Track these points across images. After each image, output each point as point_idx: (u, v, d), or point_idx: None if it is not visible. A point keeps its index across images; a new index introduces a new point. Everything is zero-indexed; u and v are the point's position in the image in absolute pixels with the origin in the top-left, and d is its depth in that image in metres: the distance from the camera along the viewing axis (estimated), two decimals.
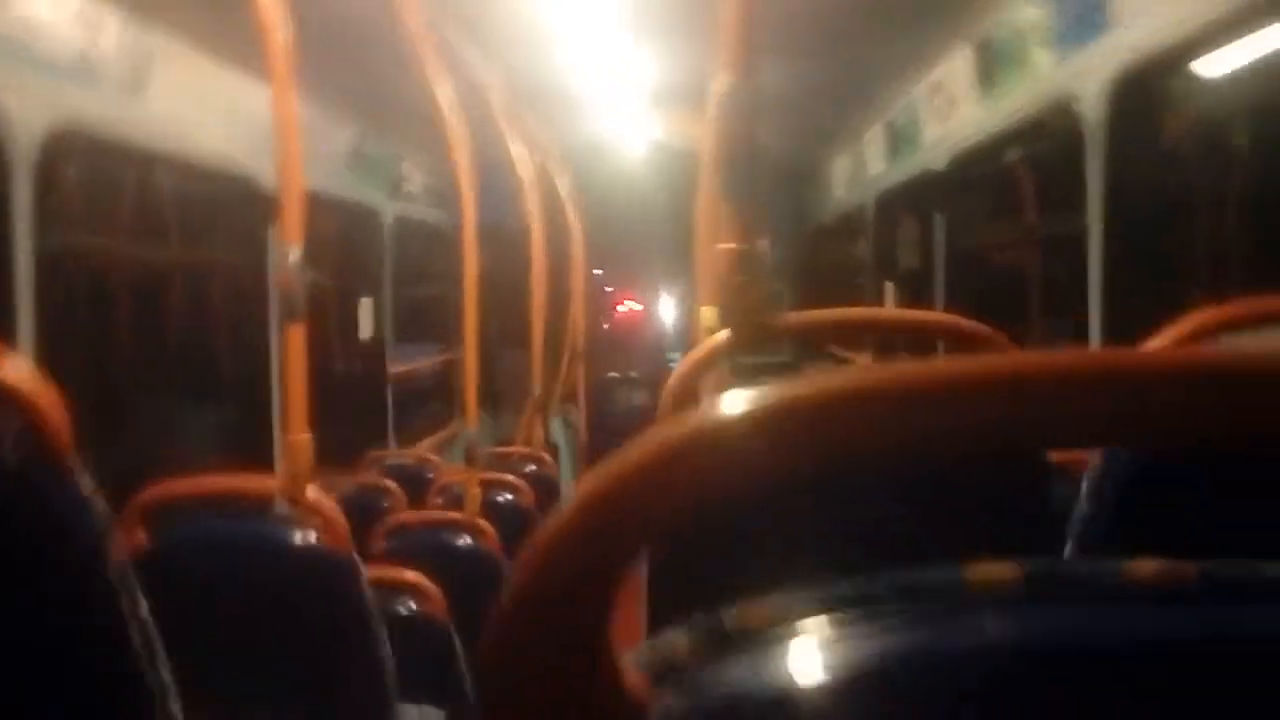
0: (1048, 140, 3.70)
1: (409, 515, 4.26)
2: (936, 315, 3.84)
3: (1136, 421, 0.46)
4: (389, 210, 6.25)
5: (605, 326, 9.85)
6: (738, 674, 0.56)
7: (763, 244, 2.15)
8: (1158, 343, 1.58)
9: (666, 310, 10.09)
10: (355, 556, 2.43)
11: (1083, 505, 1.40)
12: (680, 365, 1.93)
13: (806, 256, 8.95)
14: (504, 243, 6.96)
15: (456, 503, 4.31)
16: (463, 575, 3.61)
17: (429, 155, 6.19)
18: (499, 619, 0.50)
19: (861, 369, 0.46)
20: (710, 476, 0.47)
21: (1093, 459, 1.43)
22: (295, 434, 2.56)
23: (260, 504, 2.55)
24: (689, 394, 1.92)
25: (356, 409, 6.21)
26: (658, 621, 1.49)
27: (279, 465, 3.32)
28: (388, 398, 6.27)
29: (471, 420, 4.37)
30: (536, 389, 6.42)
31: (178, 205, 4.12)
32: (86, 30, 3.04)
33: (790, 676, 0.56)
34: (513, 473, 5.07)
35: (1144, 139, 2.91)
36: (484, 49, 4.61)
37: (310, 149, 3.28)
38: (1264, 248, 2.74)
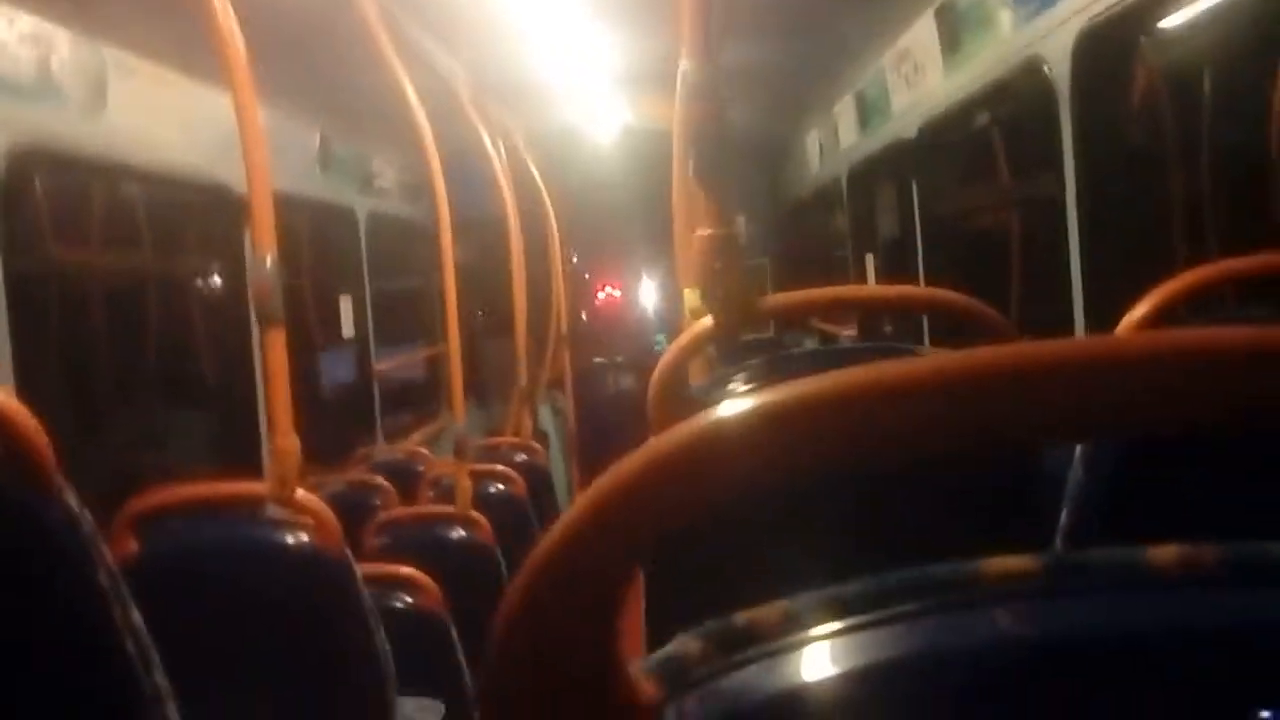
0: (1017, 101, 3.70)
1: (401, 511, 4.26)
2: (917, 290, 3.84)
3: (1137, 409, 0.46)
4: (363, 207, 6.23)
5: (583, 316, 9.82)
6: (754, 677, 0.56)
7: (740, 221, 2.15)
8: (1140, 310, 1.58)
9: (648, 294, 10.08)
10: (348, 554, 2.44)
11: (1071, 493, 1.40)
12: (666, 354, 1.94)
13: (785, 231, 8.94)
14: (483, 233, 6.94)
15: (448, 496, 4.30)
16: (458, 568, 3.61)
17: (399, 151, 6.16)
18: (502, 627, 0.49)
19: (851, 371, 0.46)
20: (711, 481, 0.47)
21: (1081, 448, 1.43)
22: (281, 437, 2.56)
23: (250, 508, 2.55)
24: (677, 380, 1.93)
25: (343, 407, 6.20)
26: (657, 625, 1.50)
27: (267, 469, 3.31)
28: (375, 394, 6.26)
29: (459, 413, 4.37)
30: (523, 378, 6.42)
31: (152, 214, 4.09)
32: (39, 49, 3.01)
33: (807, 678, 0.56)
34: (503, 463, 5.07)
35: (1112, 94, 2.91)
36: (447, 41, 4.59)
37: (278, 152, 3.26)
38: (1236, 197, 2.75)
